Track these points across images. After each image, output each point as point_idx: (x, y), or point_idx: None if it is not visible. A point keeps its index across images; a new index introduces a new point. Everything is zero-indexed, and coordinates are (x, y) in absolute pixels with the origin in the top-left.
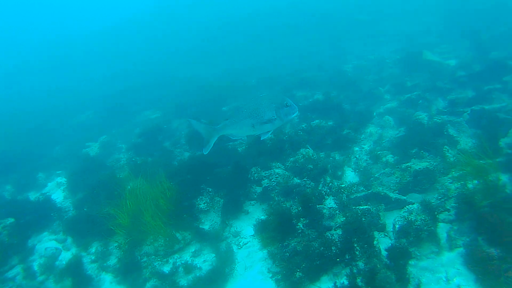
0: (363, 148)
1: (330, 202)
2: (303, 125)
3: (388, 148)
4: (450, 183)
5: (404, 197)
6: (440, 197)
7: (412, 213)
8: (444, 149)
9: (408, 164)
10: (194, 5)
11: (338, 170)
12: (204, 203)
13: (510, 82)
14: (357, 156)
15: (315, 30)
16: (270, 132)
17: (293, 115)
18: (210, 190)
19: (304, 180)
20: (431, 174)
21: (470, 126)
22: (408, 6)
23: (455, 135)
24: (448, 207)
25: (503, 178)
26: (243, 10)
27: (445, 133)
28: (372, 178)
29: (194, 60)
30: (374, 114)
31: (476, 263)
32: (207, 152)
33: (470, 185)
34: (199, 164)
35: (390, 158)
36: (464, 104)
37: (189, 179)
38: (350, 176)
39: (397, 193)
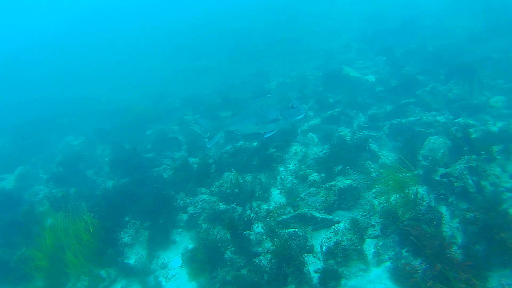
0: (288, 167)
1: (257, 227)
2: (228, 147)
3: (313, 166)
4: (374, 198)
5: (330, 216)
6: (365, 213)
7: (338, 234)
8: (367, 164)
9: (332, 182)
10: (109, 29)
11: (265, 192)
12: (128, 236)
13: (421, 96)
14: (283, 176)
15: (237, 49)
16: (274, 131)
17: (299, 117)
18: (134, 221)
19: (230, 205)
20: (355, 191)
21: (390, 140)
22: (328, 24)
23: (376, 150)
24: (373, 223)
25: (421, 190)
26: (160, 31)
27: (367, 148)
28: (298, 199)
29: (114, 83)
30: (299, 132)
31: (401, 276)
32: (210, 145)
33: (392, 200)
34: (123, 194)
35: (315, 176)
36: (383, 118)
37: (112, 211)
38: (277, 197)
39: (323, 213)
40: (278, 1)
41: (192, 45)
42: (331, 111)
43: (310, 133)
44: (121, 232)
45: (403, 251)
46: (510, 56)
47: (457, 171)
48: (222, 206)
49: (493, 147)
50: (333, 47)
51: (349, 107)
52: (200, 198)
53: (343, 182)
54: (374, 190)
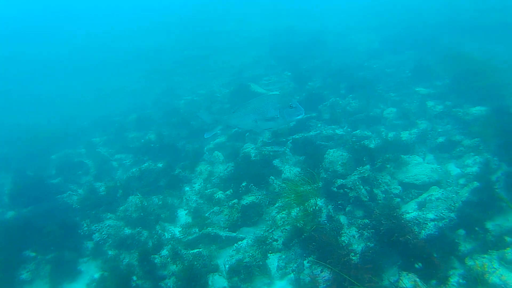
0: (193, 187)
1: (163, 250)
2: (134, 170)
3: (218, 184)
4: (277, 213)
5: (234, 234)
6: (268, 229)
7: (239, 251)
8: (270, 180)
9: (234, 200)
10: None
11: (171, 214)
12: (27, 272)
13: (322, 110)
14: (188, 196)
15: (147, 67)
16: (273, 130)
17: (297, 117)
18: (35, 255)
19: (136, 230)
20: (258, 207)
21: (293, 155)
22: (237, 40)
23: (279, 165)
24: (276, 237)
25: (320, 202)
26: (63, 49)
27: (271, 164)
28: (203, 218)
29: (21, 105)
30: (205, 150)
31: (304, 287)
32: (208, 137)
33: (293, 213)
34: (23, 225)
35: (220, 195)
36: (287, 133)
37: (9, 245)
38: (183, 218)
39: (227, 231)
40: (187, 19)
41: (103, 64)
42: (236, 128)
43: (216, 151)
44: (19, 269)
45: (305, 262)
46: (401, 71)
47: (351, 182)
48: (127, 230)
49: (385, 156)
50: (241, 64)
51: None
52: (106, 224)
53: (246, 199)
54: (277, 205)
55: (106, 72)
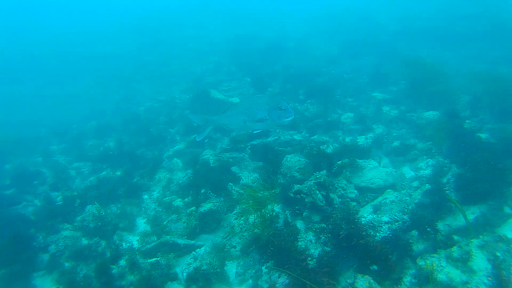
0: (152, 195)
1: (121, 260)
2: (91, 178)
3: (177, 192)
4: (235, 219)
5: (193, 241)
6: (226, 235)
7: (197, 259)
8: (228, 186)
9: (192, 208)
10: None
11: (130, 222)
12: None
13: None
14: (147, 205)
15: (105, 74)
16: (260, 131)
17: (287, 119)
18: None
19: (93, 240)
20: (216, 214)
21: (252, 160)
22: (198, 46)
23: (237, 172)
24: (234, 244)
25: (277, 208)
26: (13, 52)
27: (230, 170)
28: (162, 226)
29: None
30: (164, 157)
31: None
32: (199, 139)
33: (251, 220)
34: None
35: (179, 202)
36: (246, 139)
37: None
38: (142, 226)
39: (185, 238)
40: (146, 24)
41: (57, 69)
42: (195, 135)
43: (175, 158)
44: None
45: (263, 268)
46: (359, 76)
47: (306, 188)
48: (85, 241)
49: (341, 161)
50: (202, 69)
51: (213, 130)
52: (63, 235)
53: (204, 206)
54: (235, 211)
55: (61, 78)
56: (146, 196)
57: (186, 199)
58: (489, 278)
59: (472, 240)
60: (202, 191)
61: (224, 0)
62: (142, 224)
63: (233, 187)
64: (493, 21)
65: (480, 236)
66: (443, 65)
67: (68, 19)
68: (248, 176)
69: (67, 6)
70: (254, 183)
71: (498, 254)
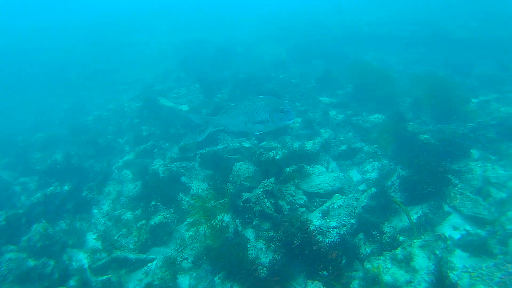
0: (102, 209)
1: (71, 281)
2: (38, 194)
3: (127, 205)
4: (186, 230)
5: (144, 256)
6: (177, 248)
7: (148, 274)
8: (179, 197)
9: (143, 221)
10: None
11: (79, 239)
12: None
13: None
14: (97, 219)
15: (51, 82)
16: (261, 133)
17: (289, 121)
18: None
19: (41, 260)
20: (167, 226)
21: (202, 169)
22: (147, 53)
23: (187, 181)
24: (186, 256)
25: (227, 218)
26: None
27: (180, 180)
28: (112, 241)
29: None
30: (114, 169)
31: None
32: (200, 139)
33: (202, 230)
34: None
35: (129, 215)
36: (195, 148)
37: None
38: (92, 243)
39: (137, 253)
40: (95, 31)
41: (2, 78)
42: (145, 145)
43: (125, 170)
44: None
45: (216, 279)
46: (306, 81)
47: (254, 197)
48: (31, 262)
49: (289, 167)
50: (151, 76)
51: (162, 140)
52: (6, 257)
53: (155, 219)
54: (186, 222)
55: (5, 86)
56: (96, 211)
57: (136, 212)
58: (429, 276)
59: (414, 241)
60: (152, 203)
61: (172, 5)
62: (92, 240)
63: (184, 198)
64: (433, 28)
65: (422, 236)
66: (388, 69)
67: (14, 24)
68: (198, 186)
69: (15, 11)
70: (204, 192)
71: (437, 252)
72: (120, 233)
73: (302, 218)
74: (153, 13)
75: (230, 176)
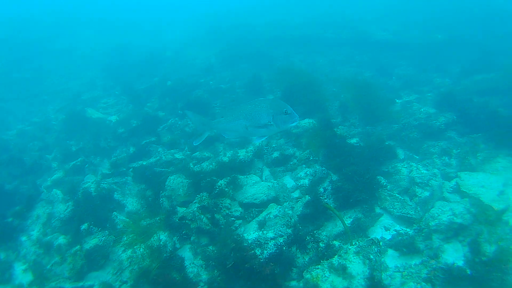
0: (31, 235)
1: None
2: None
3: (59, 228)
4: (123, 252)
5: (81, 283)
6: (115, 271)
7: None
8: (113, 216)
9: (77, 247)
10: None
11: (4, 273)
12: None
13: (162, 133)
14: (25, 248)
15: None
16: (265, 138)
17: (292, 124)
18: None
19: None
20: (103, 248)
21: (135, 184)
22: (73, 59)
23: (121, 199)
24: (125, 279)
25: (164, 236)
26: None
27: (113, 198)
28: (45, 272)
29: None
30: (43, 188)
31: None
32: (197, 144)
33: (139, 251)
34: None
35: (61, 240)
36: (128, 162)
37: None
38: (21, 275)
39: (73, 281)
40: (13, 37)
41: None
42: (75, 161)
43: (55, 189)
44: None
45: None
46: (236, 86)
47: (190, 214)
48: None
49: (223, 179)
50: (77, 86)
51: (93, 154)
52: None
53: (89, 242)
54: (122, 243)
55: None
56: (24, 238)
57: (69, 236)
58: (365, 280)
59: (349, 247)
60: (85, 225)
61: (95, 8)
62: (21, 272)
63: (118, 217)
64: (357, 30)
65: (356, 242)
66: (316, 71)
67: None
68: (133, 203)
69: None
70: (140, 209)
71: (371, 256)
72: (53, 261)
73: (235, 235)
74: (75, 16)
75: (164, 191)
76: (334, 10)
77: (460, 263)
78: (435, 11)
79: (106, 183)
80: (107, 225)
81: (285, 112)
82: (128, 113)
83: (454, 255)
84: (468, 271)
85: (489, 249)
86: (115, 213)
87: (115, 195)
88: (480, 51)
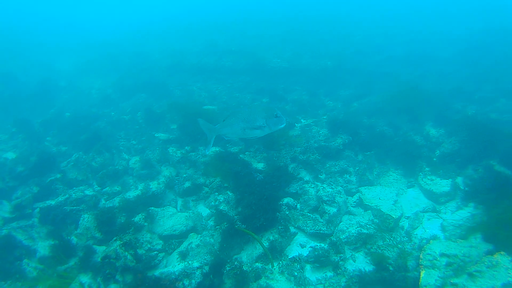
0: None
1: None
2: None
3: None
4: None
5: None
6: None
7: None
8: (23, 264)
9: None
10: None
11: None
12: None
13: (67, 169)
14: None
15: None
16: (257, 137)
17: (281, 126)
18: None
19: None
20: None
21: (44, 226)
22: None
23: (30, 244)
24: None
25: (86, 279)
26: None
27: (21, 243)
28: None
29: None
30: None
31: None
32: (208, 152)
33: None
34: None
35: None
36: (32, 202)
37: None
38: None
39: None
40: None
41: None
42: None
43: None
44: None
45: None
46: (138, 116)
47: (114, 252)
48: None
49: (139, 214)
50: None
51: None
52: None
53: None
54: None
55: None
56: None
57: None
58: None
59: (273, 268)
60: None
61: None
62: None
63: (30, 264)
64: (255, 56)
65: (280, 262)
66: (214, 98)
67: None
68: (44, 246)
69: None
70: (54, 253)
71: (295, 273)
72: None
73: (153, 277)
74: None
75: (78, 229)
76: (232, 37)
77: (370, 268)
78: (323, 39)
79: (9, 228)
80: (17, 276)
81: (276, 116)
82: (26, 149)
83: (364, 261)
84: (378, 275)
85: (392, 253)
86: (26, 260)
87: (23, 240)
88: (364, 75)
